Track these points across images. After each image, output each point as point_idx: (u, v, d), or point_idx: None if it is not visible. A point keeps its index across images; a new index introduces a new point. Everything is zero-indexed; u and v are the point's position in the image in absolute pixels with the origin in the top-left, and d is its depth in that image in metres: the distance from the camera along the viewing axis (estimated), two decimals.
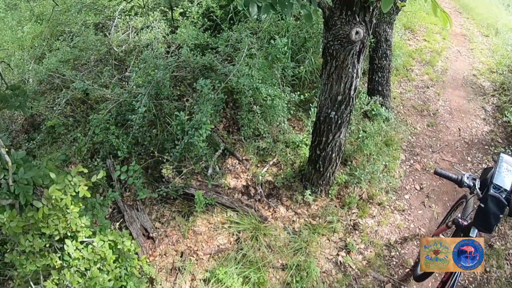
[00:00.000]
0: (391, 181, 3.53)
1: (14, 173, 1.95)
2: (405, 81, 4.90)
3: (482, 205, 2.19)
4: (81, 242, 2.25)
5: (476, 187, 2.30)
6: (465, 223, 2.42)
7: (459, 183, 2.36)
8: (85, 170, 2.13)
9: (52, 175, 2.03)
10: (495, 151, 4.12)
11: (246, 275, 2.92)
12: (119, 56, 4.84)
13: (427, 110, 4.52)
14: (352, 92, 2.73)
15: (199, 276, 3.02)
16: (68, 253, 2.18)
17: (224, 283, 2.87)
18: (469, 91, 4.99)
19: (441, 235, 2.89)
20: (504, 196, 2.14)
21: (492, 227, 2.20)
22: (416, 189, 3.78)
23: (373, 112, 3.93)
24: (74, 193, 2.08)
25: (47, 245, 2.17)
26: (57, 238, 2.13)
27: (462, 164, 4.00)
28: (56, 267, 2.18)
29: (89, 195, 2.12)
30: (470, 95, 4.92)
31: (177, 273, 3.11)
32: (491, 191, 2.17)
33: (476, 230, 2.26)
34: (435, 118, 4.46)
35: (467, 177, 2.35)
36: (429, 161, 3.97)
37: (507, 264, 3.28)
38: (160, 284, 2.98)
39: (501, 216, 2.18)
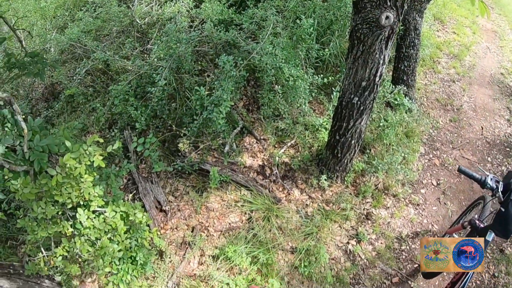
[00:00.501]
0: (409, 173, 3.46)
1: (30, 140, 1.94)
2: (431, 73, 4.75)
3: (503, 209, 2.13)
4: (93, 212, 2.25)
5: (499, 190, 2.23)
6: (482, 225, 2.36)
7: (482, 183, 2.29)
8: (101, 140, 2.12)
9: (68, 144, 2.02)
10: None
11: (255, 255, 2.93)
12: (142, 29, 4.81)
13: (451, 104, 4.40)
14: (377, 79, 2.65)
15: (208, 252, 3.04)
16: (80, 221, 2.18)
17: (233, 261, 2.88)
18: (496, 90, 4.82)
19: (454, 235, 2.83)
20: None
21: (510, 233, 2.15)
22: (432, 184, 3.71)
23: (396, 102, 3.83)
24: (88, 163, 2.06)
25: (60, 213, 2.18)
26: (69, 206, 2.13)
27: (482, 164, 3.90)
28: (67, 234, 2.20)
29: (103, 165, 2.10)
30: (496, 94, 4.75)
31: (186, 248, 3.14)
32: None
33: (493, 234, 2.20)
34: (459, 113, 4.33)
35: (491, 179, 2.28)
36: (448, 157, 3.87)
37: None
38: (169, 257, 3.01)
39: None
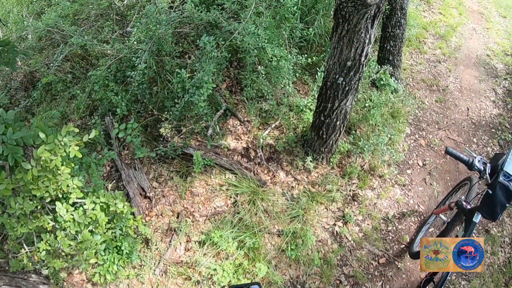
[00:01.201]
0: (395, 154, 3.44)
1: (3, 134, 1.84)
2: (417, 53, 4.71)
3: (490, 192, 2.13)
4: (73, 204, 2.17)
5: (487, 172, 2.21)
6: (469, 206, 2.35)
7: (470, 165, 2.27)
8: (76, 130, 2.03)
9: (42, 135, 1.92)
10: (502, 136, 4.01)
11: (242, 240, 2.89)
12: (121, 11, 4.65)
13: (437, 85, 4.38)
14: (362, 59, 2.59)
15: (194, 238, 2.99)
16: (60, 215, 2.10)
17: (219, 246, 2.84)
18: (481, 71, 4.82)
19: (441, 215, 2.83)
20: None
21: (497, 215, 2.15)
22: (419, 165, 3.71)
23: (382, 82, 3.79)
24: (64, 154, 1.97)
25: (39, 207, 2.10)
26: (48, 200, 2.05)
27: (468, 145, 3.91)
28: (48, 229, 2.12)
29: (80, 156, 2.01)
30: (482, 75, 4.75)
31: (172, 234, 3.08)
32: (501, 179, 2.10)
33: (480, 216, 2.21)
34: (444, 94, 4.32)
35: (478, 160, 2.26)
36: (434, 138, 3.87)
37: (501, 251, 3.26)
38: (156, 245, 2.95)
39: (507, 205, 2.12)
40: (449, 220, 2.70)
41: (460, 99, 4.37)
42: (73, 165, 2.10)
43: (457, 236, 2.36)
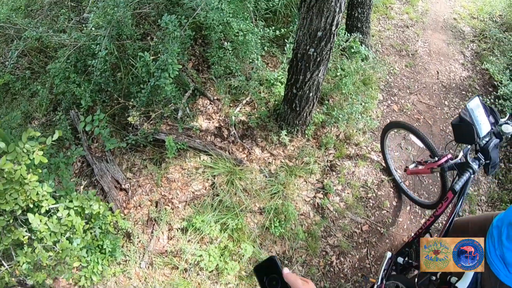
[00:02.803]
0: (369, 122, 3.43)
1: None
2: (384, 19, 4.69)
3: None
4: (47, 212, 2.05)
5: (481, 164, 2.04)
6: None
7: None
8: (37, 134, 1.89)
9: (2, 145, 1.77)
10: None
11: (224, 222, 2.84)
12: None
13: (406, 50, 4.38)
14: (333, 28, 2.51)
15: (176, 226, 2.93)
16: (34, 227, 1.99)
17: (202, 231, 2.78)
18: (449, 35, 4.85)
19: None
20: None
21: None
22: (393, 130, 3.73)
23: (352, 50, 3.74)
24: (29, 161, 1.84)
25: (11, 221, 1.97)
26: (19, 212, 1.92)
27: (439, 108, 3.95)
28: (24, 242, 2.00)
29: (46, 161, 1.89)
30: (450, 38, 4.78)
31: (153, 224, 3.01)
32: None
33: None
34: (414, 59, 4.33)
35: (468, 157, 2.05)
36: (406, 103, 3.89)
37: (479, 209, 3.34)
38: (138, 237, 2.87)
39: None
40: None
41: (430, 63, 4.39)
42: (40, 171, 1.98)
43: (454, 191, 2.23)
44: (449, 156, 2.26)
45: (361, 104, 3.44)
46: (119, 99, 3.24)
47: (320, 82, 2.94)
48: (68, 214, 2.11)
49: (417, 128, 2.84)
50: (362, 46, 3.80)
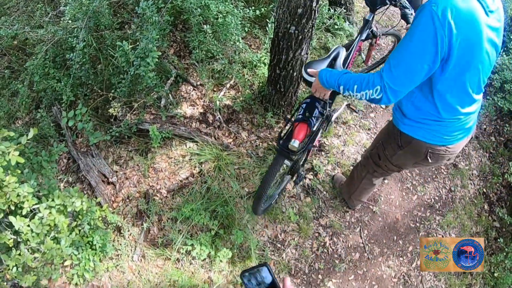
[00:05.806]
0: (356, 100, 3.38)
1: None
2: None
3: None
4: (30, 212, 1.99)
5: None
6: None
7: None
8: (11, 134, 1.83)
9: None
10: None
11: (214, 209, 2.80)
12: None
13: (391, 26, 4.29)
14: (314, 4, 2.42)
15: (165, 216, 2.88)
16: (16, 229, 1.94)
17: (192, 220, 2.74)
18: None
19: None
20: None
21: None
22: (381, 107, 3.69)
23: (336, 27, 3.66)
24: (5, 162, 1.78)
25: None
26: (1, 216, 1.86)
27: None
28: (10, 245, 1.94)
29: (22, 161, 1.82)
30: None
31: (143, 216, 2.96)
32: None
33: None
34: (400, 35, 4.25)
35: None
36: None
37: (471, 184, 3.32)
38: (128, 231, 2.83)
39: None
40: None
41: None
42: (19, 172, 1.91)
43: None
44: None
45: None
46: (101, 91, 3.16)
47: (303, 60, 2.87)
48: (50, 213, 2.06)
49: None
50: (346, 22, 3.71)
